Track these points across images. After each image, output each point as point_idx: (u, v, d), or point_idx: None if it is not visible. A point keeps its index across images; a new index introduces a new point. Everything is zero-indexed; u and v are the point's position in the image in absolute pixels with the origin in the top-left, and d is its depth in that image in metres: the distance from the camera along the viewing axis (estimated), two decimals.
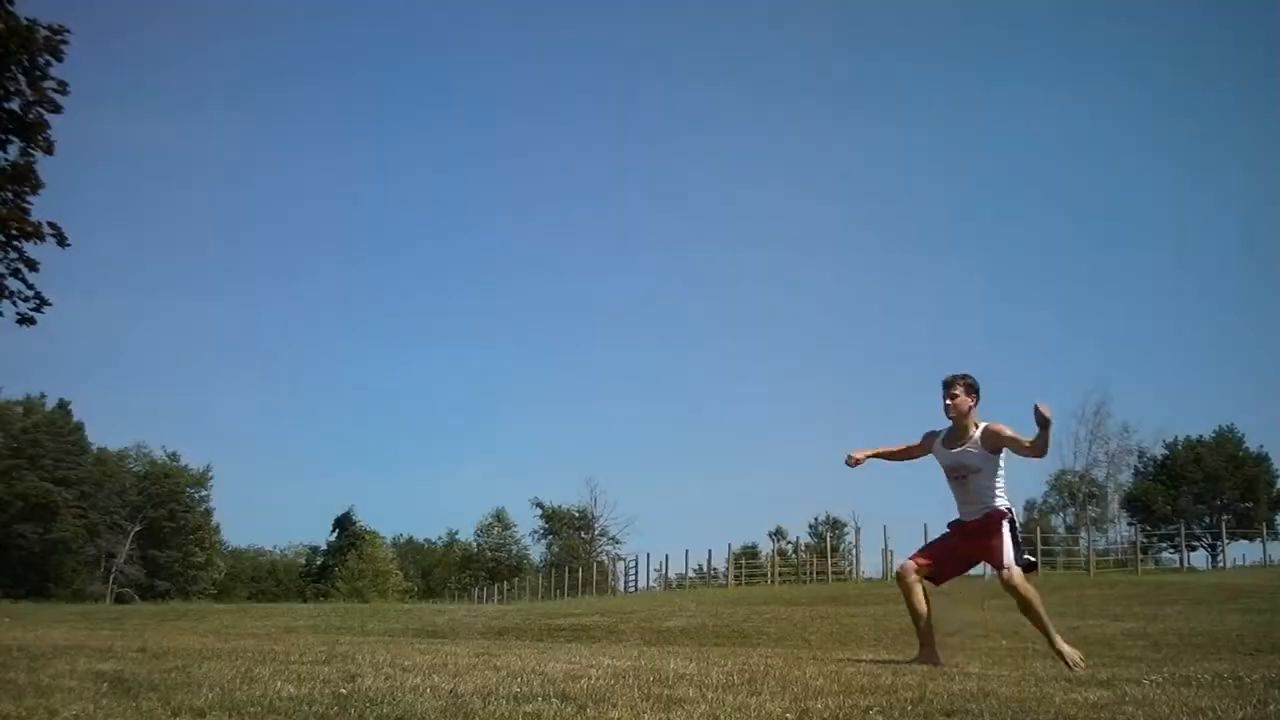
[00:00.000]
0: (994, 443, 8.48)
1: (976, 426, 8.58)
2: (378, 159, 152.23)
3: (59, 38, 22.30)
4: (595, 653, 9.91)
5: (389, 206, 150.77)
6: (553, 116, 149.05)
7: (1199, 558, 64.41)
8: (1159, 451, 77.97)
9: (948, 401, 8.57)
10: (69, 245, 23.68)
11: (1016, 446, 8.39)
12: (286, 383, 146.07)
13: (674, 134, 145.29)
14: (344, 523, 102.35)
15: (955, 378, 8.65)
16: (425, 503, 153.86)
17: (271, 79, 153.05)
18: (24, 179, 22.77)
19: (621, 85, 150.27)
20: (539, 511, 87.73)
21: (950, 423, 8.70)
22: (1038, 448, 8.20)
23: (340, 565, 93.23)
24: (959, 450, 8.57)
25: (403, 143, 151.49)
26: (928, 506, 47.20)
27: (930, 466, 8.86)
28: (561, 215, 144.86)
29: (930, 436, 8.88)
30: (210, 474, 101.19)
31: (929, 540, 9.44)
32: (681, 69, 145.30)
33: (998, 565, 8.62)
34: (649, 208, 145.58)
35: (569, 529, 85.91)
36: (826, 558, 58.70)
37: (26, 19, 21.86)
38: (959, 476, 8.65)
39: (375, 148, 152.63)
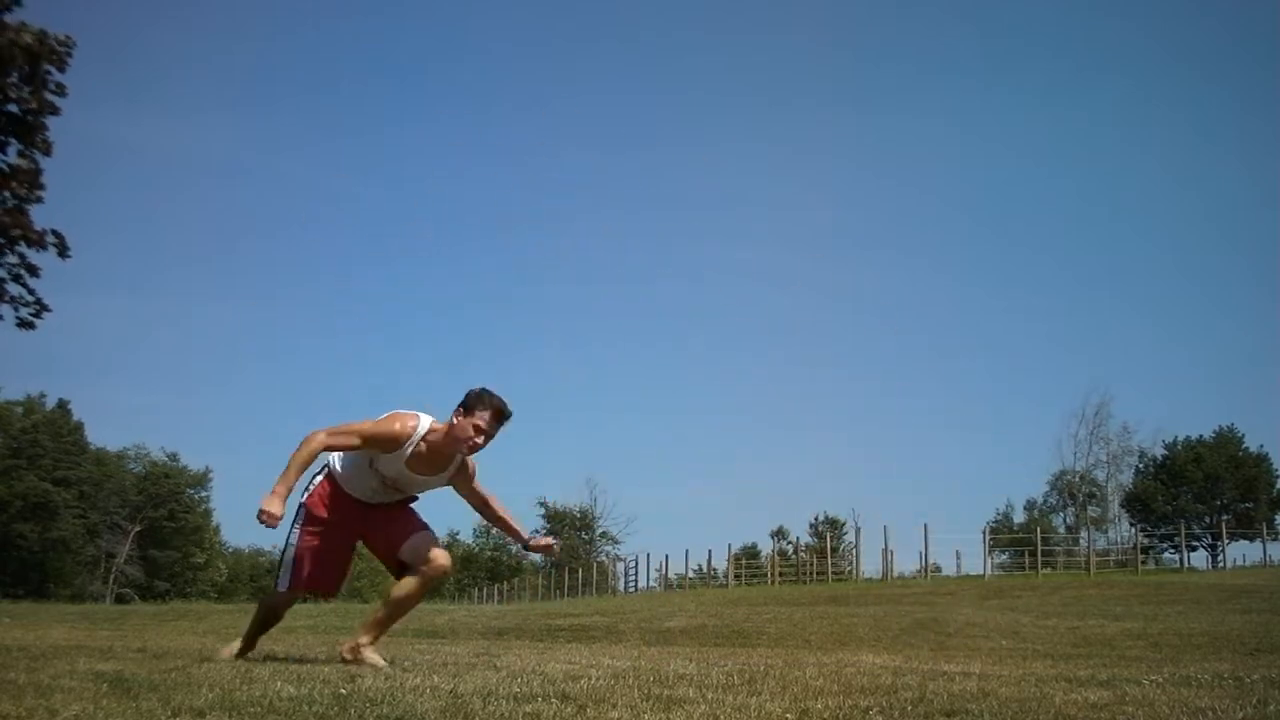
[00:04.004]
0: (464, 481, 7.19)
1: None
2: (379, 160, 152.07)
3: (65, 48, 22.38)
4: (595, 653, 9.95)
5: (391, 207, 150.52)
6: (554, 118, 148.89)
7: (1199, 558, 64.59)
8: (1159, 452, 78.14)
9: (479, 440, 6.78)
10: (70, 257, 23.82)
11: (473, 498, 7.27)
12: (286, 383, 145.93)
13: (678, 135, 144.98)
14: None
15: (508, 414, 6.86)
16: (424, 502, 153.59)
17: (271, 80, 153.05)
18: (31, 184, 22.87)
19: (618, 88, 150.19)
20: (542, 511, 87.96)
21: (436, 442, 6.87)
22: (503, 523, 7.49)
23: None
24: (428, 478, 7.03)
25: (405, 144, 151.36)
26: (928, 506, 47.08)
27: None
28: (563, 217, 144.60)
29: (403, 433, 6.83)
30: (210, 474, 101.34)
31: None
32: (676, 71, 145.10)
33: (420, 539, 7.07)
34: (649, 207, 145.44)
35: (570, 529, 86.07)
36: (826, 558, 58.64)
37: (37, 28, 21.94)
38: (398, 491, 7.12)
39: (377, 149, 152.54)
